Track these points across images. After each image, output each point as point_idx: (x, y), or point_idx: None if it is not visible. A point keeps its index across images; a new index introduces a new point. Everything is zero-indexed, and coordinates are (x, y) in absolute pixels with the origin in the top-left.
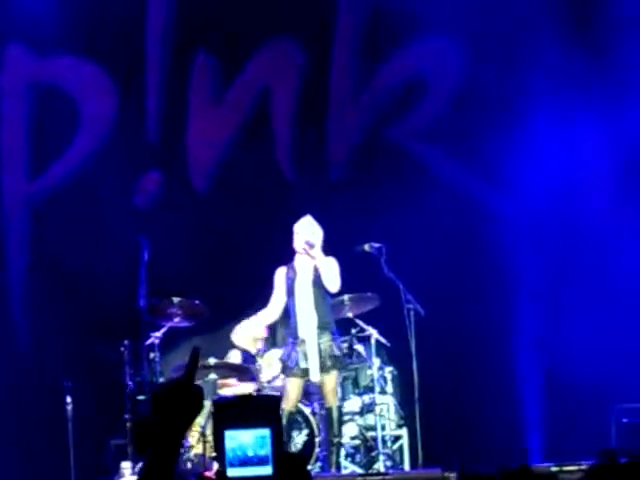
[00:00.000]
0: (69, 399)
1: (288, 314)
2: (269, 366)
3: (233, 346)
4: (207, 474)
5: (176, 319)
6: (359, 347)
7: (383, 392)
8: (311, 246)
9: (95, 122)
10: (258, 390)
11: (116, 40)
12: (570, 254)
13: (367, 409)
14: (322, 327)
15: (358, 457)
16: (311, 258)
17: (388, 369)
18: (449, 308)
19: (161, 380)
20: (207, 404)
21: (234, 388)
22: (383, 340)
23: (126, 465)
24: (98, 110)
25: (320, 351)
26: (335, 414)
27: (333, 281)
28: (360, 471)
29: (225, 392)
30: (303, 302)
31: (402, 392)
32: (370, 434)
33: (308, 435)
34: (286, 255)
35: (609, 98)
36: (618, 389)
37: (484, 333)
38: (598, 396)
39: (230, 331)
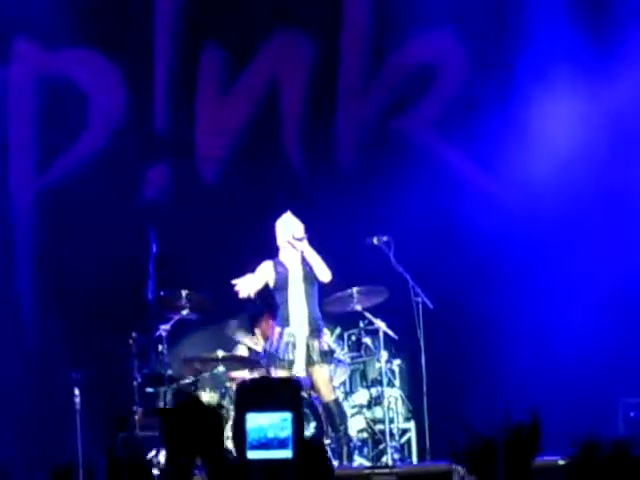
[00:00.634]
0: (77, 391)
1: (277, 306)
2: None
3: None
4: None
5: (184, 312)
6: (367, 340)
7: (391, 385)
8: (299, 239)
9: (103, 114)
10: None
11: (124, 32)
12: (577, 244)
13: (375, 402)
14: (312, 323)
15: (366, 450)
16: (297, 251)
17: (396, 362)
18: (457, 301)
19: (169, 373)
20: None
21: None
22: (391, 333)
23: None
24: (106, 102)
25: (308, 346)
26: (334, 409)
27: (324, 271)
28: (368, 464)
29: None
30: (295, 297)
31: (410, 385)
32: (378, 427)
33: (316, 427)
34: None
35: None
36: (625, 383)
37: (492, 326)
38: (605, 390)
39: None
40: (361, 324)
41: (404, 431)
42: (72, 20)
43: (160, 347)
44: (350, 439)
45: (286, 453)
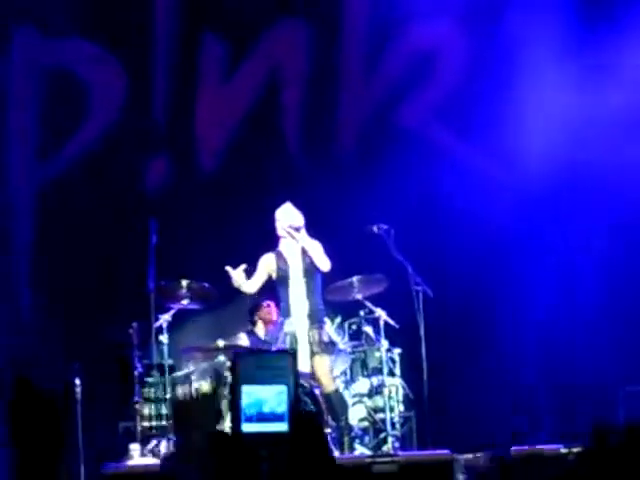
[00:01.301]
0: (78, 381)
1: (278, 298)
2: None
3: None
4: None
5: (185, 301)
6: (368, 329)
7: (392, 374)
8: (297, 229)
9: (104, 104)
10: None
11: (124, 22)
12: (581, 236)
13: (376, 391)
14: (312, 316)
15: (367, 439)
16: (296, 241)
17: (397, 351)
18: (457, 289)
19: (169, 362)
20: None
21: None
22: (392, 322)
23: (135, 447)
24: (107, 92)
25: (308, 337)
26: (335, 399)
27: (323, 261)
28: (369, 453)
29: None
30: (296, 291)
31: (411, 374)
32: (379, 416)
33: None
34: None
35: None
36: (626, 371)
37: (492, 315)
38: (606, 378)
39: (238, 313)
40: (362, 313)
41: (405, 420)
42: (73, 10)
43: (161, 337)
44: (351, 428)
45: (282, 426)
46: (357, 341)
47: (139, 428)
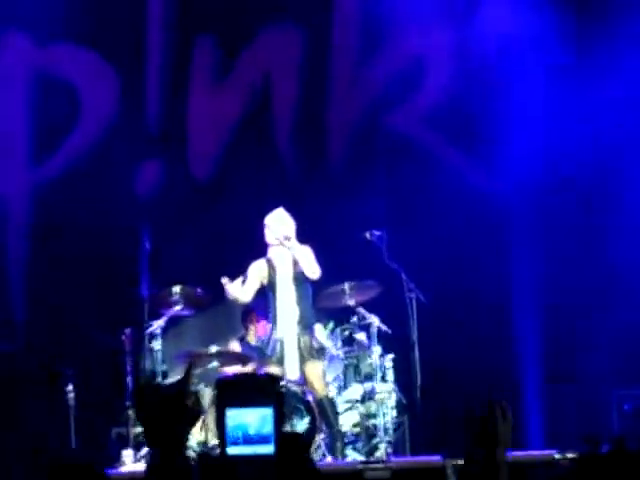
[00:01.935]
0: (70, 387)
1: (268, 305)
2: None
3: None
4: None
5: (177, 308)
6: (360, 335)
7: (384, 380)
8: (287, 238)
9: (96, 110)
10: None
11: (117, 27)
12: (570, 236)
13: (368, 397)
14: (302, 323)
15: (359, 445)
16: (287, 249)
17: (389, 357)
18: (451, 295)
19: (163, 367)
20: (208, 391)
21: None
22: (384, 328)
23: (127, 453)
24: (99, 98)
25: (299, 343)
26: (327, 405)
27: (313, 269)
28: (361, 458)
29: (227, 370)
30: (285, 298)
31: (403, 380)
32: (371, 422)
33: (310, 423)
34: None
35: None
36: (619, 375)
37: (485, 320)
38: (599, 382)
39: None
40: (354, 319)
41: (398, 425)
42: (65, 14)
43: (153, 343)
44: (343, 434)
45: (268, 448)
46: (350, 347)
47: (132, 434)
